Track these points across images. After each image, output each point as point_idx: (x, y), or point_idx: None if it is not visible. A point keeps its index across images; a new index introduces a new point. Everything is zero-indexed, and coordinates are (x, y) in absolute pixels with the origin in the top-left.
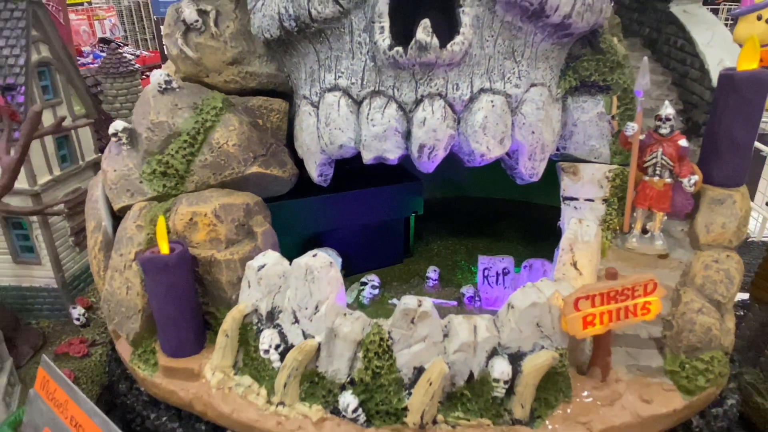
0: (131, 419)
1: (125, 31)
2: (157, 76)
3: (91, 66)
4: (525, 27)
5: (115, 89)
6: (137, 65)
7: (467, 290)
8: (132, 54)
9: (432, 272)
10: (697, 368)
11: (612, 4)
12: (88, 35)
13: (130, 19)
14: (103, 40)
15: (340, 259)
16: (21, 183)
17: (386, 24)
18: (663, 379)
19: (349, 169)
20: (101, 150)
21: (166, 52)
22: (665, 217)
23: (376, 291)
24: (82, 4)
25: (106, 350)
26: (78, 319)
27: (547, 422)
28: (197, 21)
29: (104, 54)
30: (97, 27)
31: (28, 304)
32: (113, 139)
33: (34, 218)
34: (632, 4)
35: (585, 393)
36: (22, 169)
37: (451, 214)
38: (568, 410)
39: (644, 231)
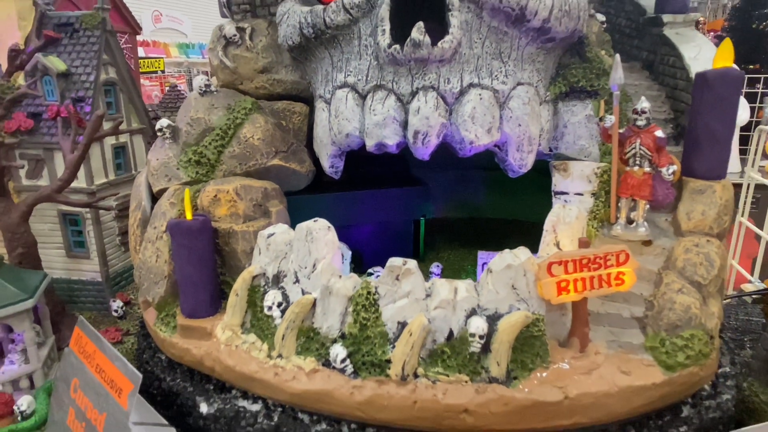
0: (150, 383)
1: None
2: (198, 80)
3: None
4: (510, 31)
5: (172, 120)
6: None
7: None
8: None
9: (435, 267)
10: (677, 344)
11: (605, 25)
12: (158, 99)
13: None
14: None
15: (350, 253)
16: (80, 183)
17: (387, 27)
18: (643, 356)
19: (364, 174)
20: None
21: (209, 65)
22: (647, 206)
23: None
24: (156, 72)
25: (138, 339)
26: (116, 311)
27: (523, 383)
28: (235, 35)
29: None
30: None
31: (75, 295)
32: (159, 134)
33: (88, 216)
34: (632, 33)
35: (564, 362)
36: (83, 170)
37: (465, 231)
38: (545, 374)
39: (630, 222)
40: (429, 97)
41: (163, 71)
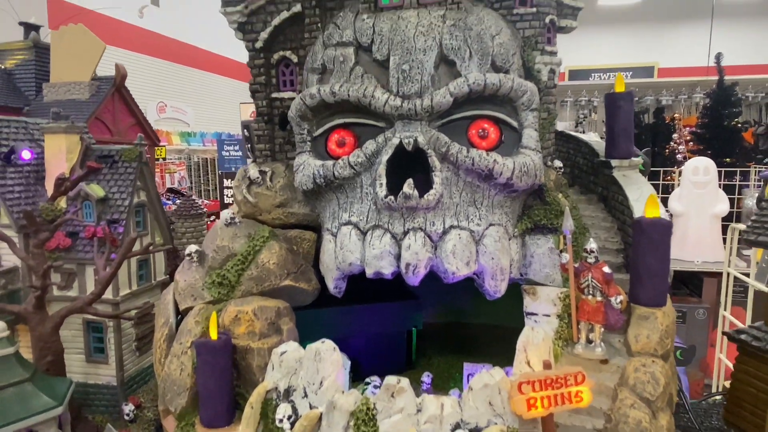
0: None
1: (191, 182)
2: (225, 213)
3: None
4: (482, 185)
5: (185, 227)
6: (205, 209)
7: (453, 393)
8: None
9: (426, 377)
10: None
11: (561, 170)
12: (159, 185)
13: (197, 172)
14: (171, 190)
15: (349, 362)
16: (107, 294)
17: (384, 181)
18: None
19: (362, 289)
20: (170, 273)
21: (232, 198)
22: (602, 329)
23: (377, 390)
24: (157, 159)
25: None
26: (128, 415)
27: None
28: (258, 177)
29: (170, 201)
30: (167, 179)
31: (90, 399)
32: (187, 257)
33: (110, 323)
34: (589, 170)
35: None
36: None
37: (454, 336)
38: None
39: (589, 341)
40: (418, 236)
41: (164, 159)
